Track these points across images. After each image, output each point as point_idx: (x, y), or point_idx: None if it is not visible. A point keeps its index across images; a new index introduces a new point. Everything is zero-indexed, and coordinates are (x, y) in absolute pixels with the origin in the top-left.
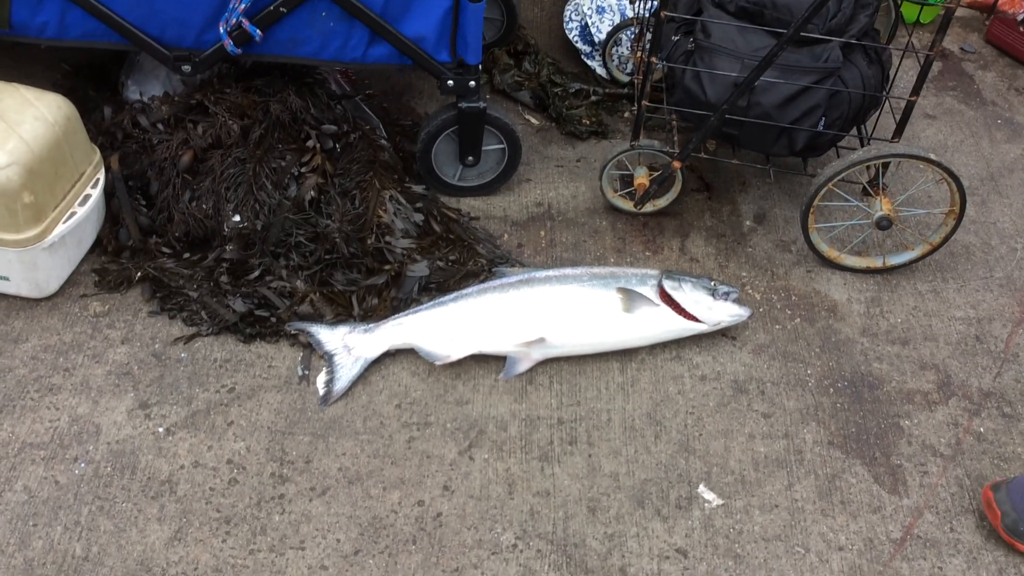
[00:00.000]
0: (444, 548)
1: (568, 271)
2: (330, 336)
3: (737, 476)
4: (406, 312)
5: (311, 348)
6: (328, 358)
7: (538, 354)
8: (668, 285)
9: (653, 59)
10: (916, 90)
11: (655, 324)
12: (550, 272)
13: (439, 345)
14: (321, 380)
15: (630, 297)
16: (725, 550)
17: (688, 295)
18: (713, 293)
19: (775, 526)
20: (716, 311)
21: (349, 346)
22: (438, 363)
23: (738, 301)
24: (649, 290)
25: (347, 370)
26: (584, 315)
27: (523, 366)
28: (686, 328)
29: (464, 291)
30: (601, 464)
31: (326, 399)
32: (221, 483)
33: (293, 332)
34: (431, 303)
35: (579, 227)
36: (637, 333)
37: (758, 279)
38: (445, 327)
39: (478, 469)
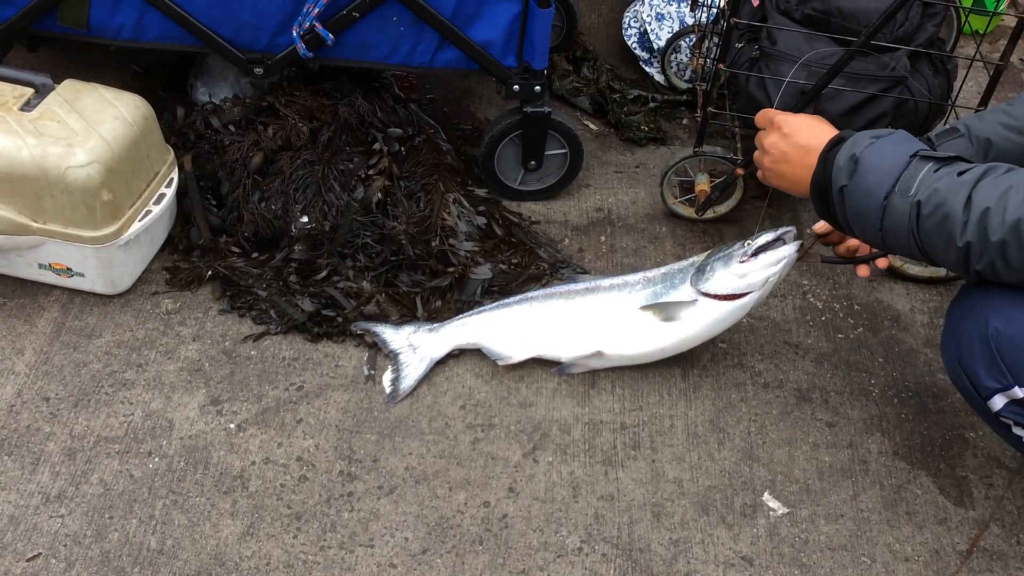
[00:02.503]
0: (510, 550)
1: (629, 278)
2: (395, 336)
3: (802, 485)
4: (470, 312)
5: (377, 348)
6: (393, 357)
7: (596, 363)
8: (696, 281)
9: (721, 65)
10: (984, 100)
11: (704, 318)
12: (614, 280)
13: (502, 345)
14: (387, 379)
15: (662, 308)
16: (791, 559)
17: (719, 280)
18: (742, 257)
19: (841, 536)
20: (751, 275)
21: (414, 345)
22: (500, 363)
23: (779, 242)
24: (690, 290)
25: (413, 369)
26: (638, 327)
27: (579, 369)
28: (741, 305)
29: (529, 294)
30: (665, 470)
31: (393, 397)
32: (291, 480)
33: (359, 332)
34: (496, 304)
35: (639, 233)
36: (691, 332)
37: (819, 288)
38: (509, 328)
39: (542, 472)
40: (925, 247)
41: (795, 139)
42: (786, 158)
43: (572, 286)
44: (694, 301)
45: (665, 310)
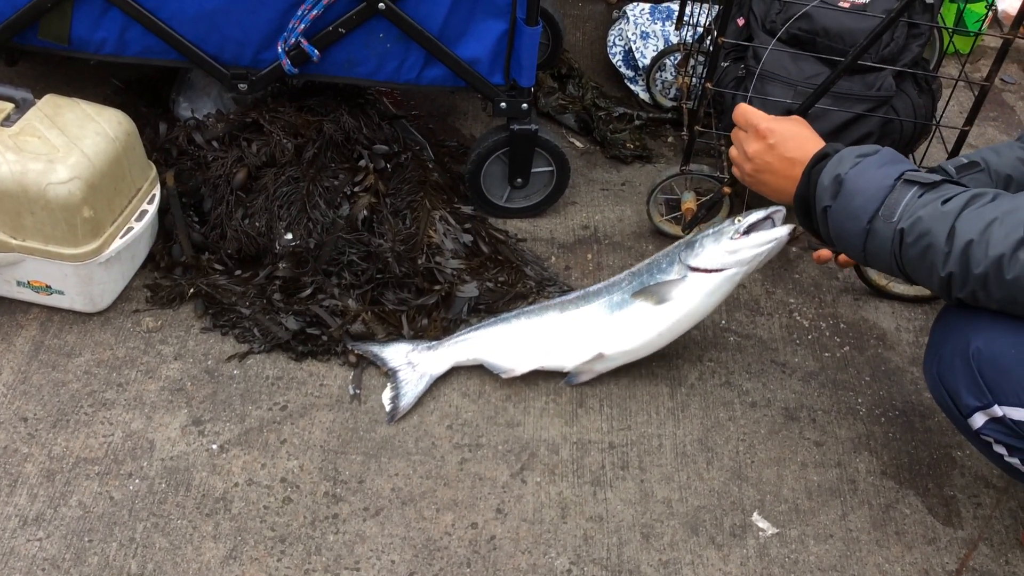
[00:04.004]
0: (499, 572)
1: (616, 278)
2: (394, 353)
3: (791, 505)
4: (469, 328)
5: (361, 368)
6: (392, 374)
7: (601, 367)
8: (686, 257)
9: (708, 84)
10: (970, 120)
11: (696, 292)
12: (600, 285)
13: (504, 359)
14: (387, 397)
15: (653, 292)
16: None
17: (708, 254)
18: (734, 234)
19: (831, 556)
20: (742, 252)
21: (413, 363)
22: (504, 376)
23: (768, 221)
24: (679, 268)
25: (412, 386)
26: (633, 320)
27: (586, 376)
28: (729, 277)
29: (525, 308)
30: (654, 490)
31: (392, 415)
32: (275, 502)
33: (357, 352)
34: (493, 320)
35: (626, 250)
36: (685, 309)
37: (806, 306)
38: (508, 342)
39: (531, 492)
40: (908, 271)
41: (780, 150)
42: (770, 168)
43: (565, 297)
44: (683, 277)
45: (656, 292)
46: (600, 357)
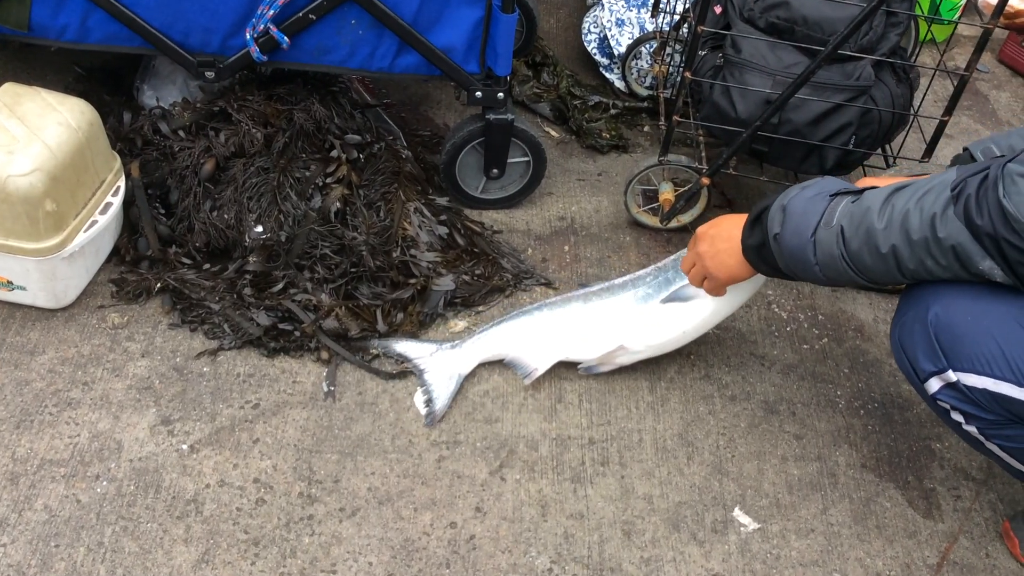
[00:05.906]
0: (478, 572)
1: (640, 272)
2: (419, 352)
3: (772, 499)
4: (491, 324)
5: (335, 364)
6: (419, 374)
7: (624, 359)
8: None
9: (687, 74)
10: (948, 110)
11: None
12: (625, 278)
13: (527, 354)
14: (419, 400)
15: (677, 295)
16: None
17: None
18: None
19: (812, 551)
20: None
21: (440, 363)
22: (527, 380)
23: None
24: None
25: (444, 388)
26: (659, 316)
27: (605, 368)
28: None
29: (547, 301)
30: (634, 486)
31: (430, 418)
32: (248, 503)
33: (380, 352)
34: (515, 313)
35: (603, 242)
36: (713, 308)
37: (784, 298)
38: (531, 336)
39: (510, 490)
40: (858, 267)
41: (715, 231)
42: (717, 249)
43: (588, 289)
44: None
45: (682, 295)
46: (622, 350)
